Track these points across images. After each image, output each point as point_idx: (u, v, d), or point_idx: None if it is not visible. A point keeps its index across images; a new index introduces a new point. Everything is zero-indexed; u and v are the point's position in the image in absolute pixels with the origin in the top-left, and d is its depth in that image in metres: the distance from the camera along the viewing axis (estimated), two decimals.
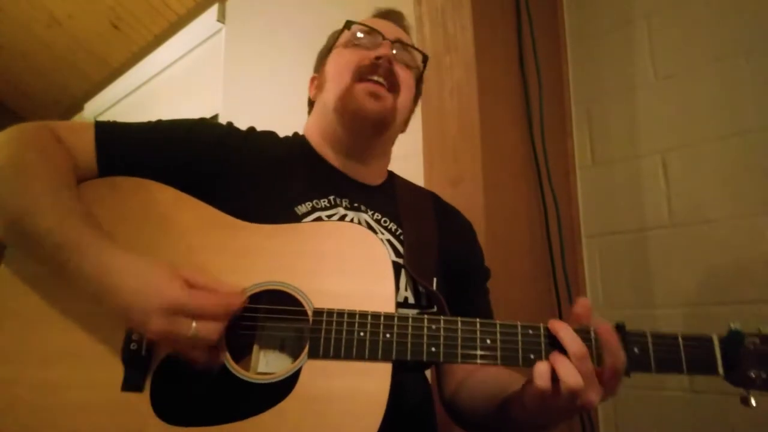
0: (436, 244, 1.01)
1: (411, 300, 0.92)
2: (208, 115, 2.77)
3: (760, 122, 1.45)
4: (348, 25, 1.06)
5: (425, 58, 1.10)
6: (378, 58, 0.98)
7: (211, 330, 0.71)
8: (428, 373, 1.05)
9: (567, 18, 1.87)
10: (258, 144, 1.00)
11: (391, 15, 1.13)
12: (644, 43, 1.69)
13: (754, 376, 0.75)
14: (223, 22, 2.86)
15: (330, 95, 1.01)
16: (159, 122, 0.97)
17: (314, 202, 0.94)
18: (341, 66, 1.01)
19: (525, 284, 1.52)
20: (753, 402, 0.75)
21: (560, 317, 1.56)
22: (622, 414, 1.61)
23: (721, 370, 0.76)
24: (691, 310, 1.51)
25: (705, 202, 1.52)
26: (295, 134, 1.10)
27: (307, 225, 0.88)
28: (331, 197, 0.96)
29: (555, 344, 0.74)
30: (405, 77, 1.03)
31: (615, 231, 1.69)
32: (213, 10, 2.89)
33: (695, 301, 1.50)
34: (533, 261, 1.59)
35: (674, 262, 1.56)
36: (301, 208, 0.92)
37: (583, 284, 1.72)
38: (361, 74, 0.98)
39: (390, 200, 1.04)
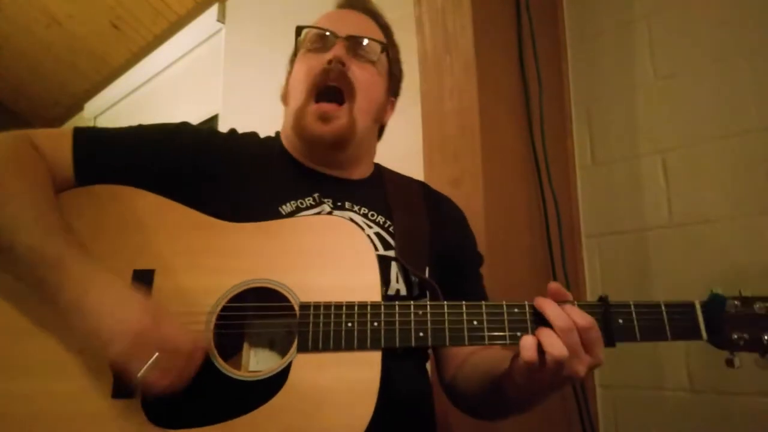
0: (427, 234, 1.01)
1: (403, 292, 0.92)
2: (208, 115, 2.77)
3: (761, 122, 1.44)
4: (298, 31, 1.05)
5: (384, 48, 1.04)
6: (329, 62, 0.96)
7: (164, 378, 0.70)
8: (429, 366, 1.05)
9: (567, 18, 1.87)
10: (239, 146, 1.01)
11: (351, 1, 1.09)
12: (644, 43, 1.69)
13: (736, 337, 0.77)
14: (223, 22, 2.86)
15: (289, 114, 1.02)
16: (139, 127, 0.97)
17: (298, 201, 0.94)
18: (297, 80, 1.01)
19: (525, 284, 1.52)
20: (737, 363, 0.76)
21: None
22: (622, 414, 1.61)
23: (704, 334, 0.78)
24: None
25: (705, 202, 1.52)
26: (277, 134, 1.10)
27: (288, 221, 0.88)
28: (315, 195, 0.96)
29: (540, 321, 0.76)
30: (363, 75, 0.99)
31: (615, 231, 1.69)
32: (213, 10, 2.89)
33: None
34: (533, 261, 1.58)
35: (674, 262, 1.56)
36: (286, 208, 0.92)
37: (583, 284, 1.72)
38: (315, 89, 0.96)
39: (377, 193, 1.03)
